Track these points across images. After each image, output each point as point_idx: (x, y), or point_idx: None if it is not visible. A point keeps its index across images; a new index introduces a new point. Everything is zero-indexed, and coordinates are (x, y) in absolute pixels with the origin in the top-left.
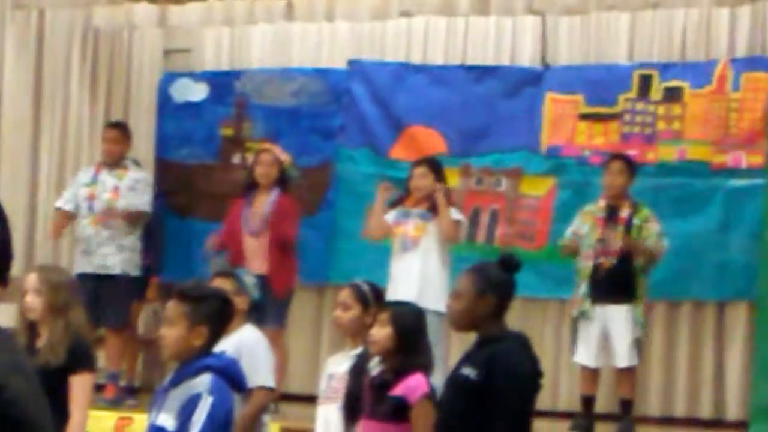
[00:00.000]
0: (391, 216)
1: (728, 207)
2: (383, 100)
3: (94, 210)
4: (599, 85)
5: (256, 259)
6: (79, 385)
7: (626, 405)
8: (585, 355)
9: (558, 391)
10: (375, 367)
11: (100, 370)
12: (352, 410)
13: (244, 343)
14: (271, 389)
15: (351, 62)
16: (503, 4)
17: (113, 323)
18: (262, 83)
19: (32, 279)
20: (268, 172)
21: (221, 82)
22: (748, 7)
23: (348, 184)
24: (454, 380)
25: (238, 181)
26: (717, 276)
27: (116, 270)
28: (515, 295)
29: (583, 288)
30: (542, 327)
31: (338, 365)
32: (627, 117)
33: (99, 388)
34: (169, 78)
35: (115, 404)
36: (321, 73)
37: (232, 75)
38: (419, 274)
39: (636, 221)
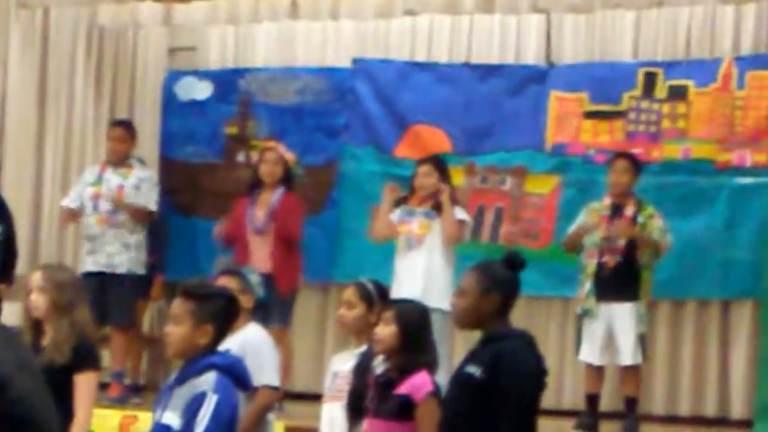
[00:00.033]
0: (395, 214)
1: (733, 205)
2: (388, 98)
3: (99, 209)
4: (604, 83)
5: (261, 257)
6: (84, 383)
7: (631, 403)
8: (589, 353)
9: (562, 389)
10: (379, 365)
11: (104, 368)
12: (356, 409)
13: (249, 342)
14: (275, 388)
15: (355, 61)
16: (508, 3)
17: (118, 322)
18: (267, 82)
19: (37, 277)
20: (272, 171)
21: (226, 81)
22: (753, 4)
23: (352, 183)
24: (459, 378)
25: (242, 180)
26: (722, 274)
27: (122, 269)
28: (520, 293)
29: (588, 286)
30: (547, 325)
31: (343, 363)
32: (632, 115)
33: (103, 386)
34: (174, 76)
35: (119, 402)
36: (325, 71)
37: (236, 73)
38: (424, 272)
39: (641, 219)
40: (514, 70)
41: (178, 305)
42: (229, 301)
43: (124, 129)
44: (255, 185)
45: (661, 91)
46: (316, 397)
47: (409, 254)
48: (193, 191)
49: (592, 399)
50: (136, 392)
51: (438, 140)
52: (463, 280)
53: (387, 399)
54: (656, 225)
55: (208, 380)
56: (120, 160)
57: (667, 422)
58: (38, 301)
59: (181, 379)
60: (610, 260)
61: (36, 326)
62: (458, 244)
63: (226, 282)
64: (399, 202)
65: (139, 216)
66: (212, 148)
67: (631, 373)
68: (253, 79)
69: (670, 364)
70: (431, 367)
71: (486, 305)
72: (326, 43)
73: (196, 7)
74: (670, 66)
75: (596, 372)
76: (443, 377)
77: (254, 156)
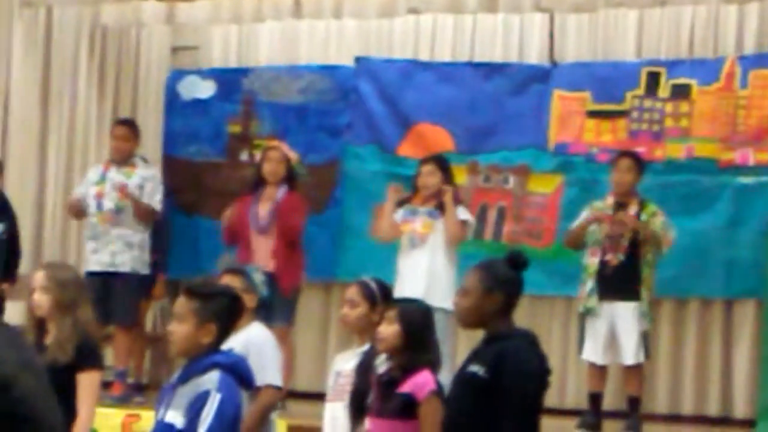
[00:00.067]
0: (398, 214)
1: (736, 204)
2: (391, 97)
3: (102, 208)
4: (607, 83)
5: (264, 256)
6: (87, 382)
7: (634, 402)
8: (592, 352)
9: (565, 388)
10: (382, 364)
11: (107, 367)
12: (359, 408)
13: (252, 341)
14: (278, 388)
15: (358, 59)
16: (511, 2)
17: (122, 321)
18: (270, 80)
19: (40, 276)
20: (275, 170)
21: (229, 80)
22: (756, 4)
23: (355, 182)
24: (462, 377)
25: (245, 179)
26: (725, 273)
27: (125, 267)
28: (523, 292)
29: (590, 284)
30: (550, 324)
31: (345, 363)
32: (635, 114)
33: (106, 385)
34: (177, 75)
35: (122, 401)
36: (328, 70)
37: (239, 72)
38: (427, 271)
39: (644, 217)
40: (517, 69)
41: (182, 304)
42: (232, 300)
43: (128, 128)
44: (258, 184)
45: (664, 90)
46: (318, 396)
47: (412, 253)
48: (196, 190)
49: (595, 398)
50: (139, 391)
51: (441, 139)
52: (466, 280)
53: (390, 398)
54: (659, 221)
55: (211, 379)
56: (123, 159)
57: (670, 421)
58: (41, 300)
59: (185, 378)
60: (613, 258)
61: (39, 325)
62: (461, 244)
63: (230, 281)
64: (402, 202)
65: (143, 215)
66: (215, 147)
67: (634, 372)
68: (256, 78)
69: (673, 364)
70: (434, 366)
71: (489, 304)
72: (329, 42)
73: (199, 6)
74: (673, 65)
75: (599, 371)
76: (446, 376)
77: (257, 155)
